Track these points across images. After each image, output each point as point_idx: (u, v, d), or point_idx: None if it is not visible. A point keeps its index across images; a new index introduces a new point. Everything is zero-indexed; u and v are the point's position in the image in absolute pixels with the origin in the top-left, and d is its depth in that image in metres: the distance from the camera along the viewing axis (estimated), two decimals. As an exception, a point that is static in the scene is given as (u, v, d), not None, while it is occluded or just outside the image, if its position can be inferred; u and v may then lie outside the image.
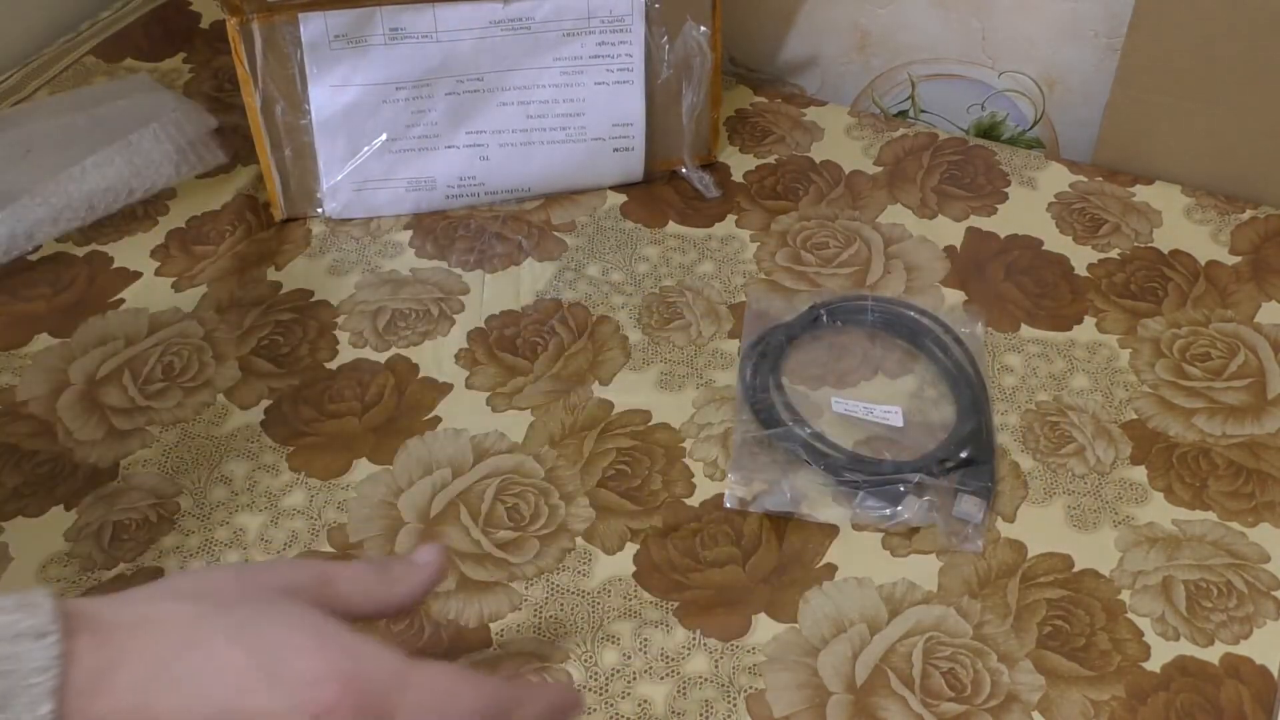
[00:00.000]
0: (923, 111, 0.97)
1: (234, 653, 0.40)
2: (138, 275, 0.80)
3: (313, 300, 0.78)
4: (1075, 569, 0.63)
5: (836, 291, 0.77)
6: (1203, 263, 0.79)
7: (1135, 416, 0.70)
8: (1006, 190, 0.85)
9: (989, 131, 0.96)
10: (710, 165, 0.87)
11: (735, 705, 0.58)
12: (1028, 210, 0.83)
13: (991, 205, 0.84)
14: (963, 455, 0.67)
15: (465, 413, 0.70)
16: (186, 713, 0.39)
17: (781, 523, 0.65)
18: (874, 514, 0.64)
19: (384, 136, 0.80)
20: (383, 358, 0.74)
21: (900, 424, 0.69)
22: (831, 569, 0.63)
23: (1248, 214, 0.82)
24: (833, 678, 0.58)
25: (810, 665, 0.59)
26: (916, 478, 0.65)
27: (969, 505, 0.64)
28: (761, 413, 0.69)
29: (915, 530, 0.64)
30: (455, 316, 0.76)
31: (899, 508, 0.64)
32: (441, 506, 0.65)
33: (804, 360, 0.73)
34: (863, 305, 0.75)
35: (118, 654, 0.39)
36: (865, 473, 0.66)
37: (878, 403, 0.70)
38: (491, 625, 0.61)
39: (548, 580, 0.63)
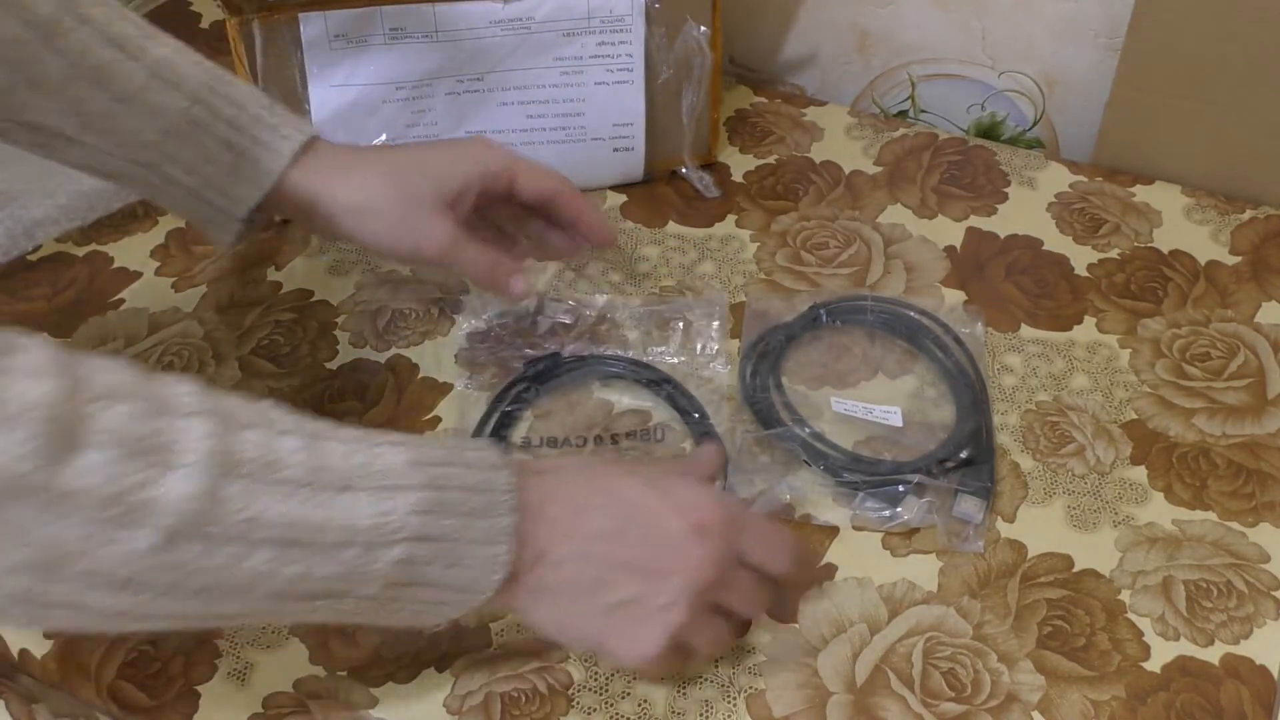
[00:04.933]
0: (923, 111, 0.97)
1: (632, 481, 0.54)
2: (138, 275, 0.80)
3: (313, 300, 0.78)
4: (1075, 569, 0.63)
5: (836, 291, 0.77)
6: (1203, 263, 0.79)
7: (1135, 416, 0.70)
8: (1006, 190, 0.85)
9: (989, 131, 0.96)
10: (710, 165, 0.87)
11: (735, 705, 0.58)
12: (1028, 210, 0.83)
13: (991, 205, 0.84)
14: (963, 455, 0.67)
15: (472, 409, 0.70)
16: (608, 519, 0.53)
17: (781, 523, 0.65)
18: (874, 514, 0.64)
19: (384, 136, 0.80)
20: (383, 357, 0.74)
21: (900, 424, 0.69)
22: (831, 569, 0.63)
23: (1248, 214, 0.82)
24: (833, 678, 0.58)
25: (810, 665, 0.59)
26: (916, 478, 0.65)
27: (968, 505, 0.64)
28: (761, 413, 0.69)
29: (915, 530, 0.64)
30: (455, 316, 0.76)
31: (899, 508, 0.64)
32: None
33: (804, 360, 0.73)
34: (862, 305, 0.75)
35: (551, 487, 0.53)
36: (865, 473, 0.65)
37: (877, 403, 0.70)
38: (491, 625, 0.61)
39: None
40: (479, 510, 0.49)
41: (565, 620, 0.53)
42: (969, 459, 0.66)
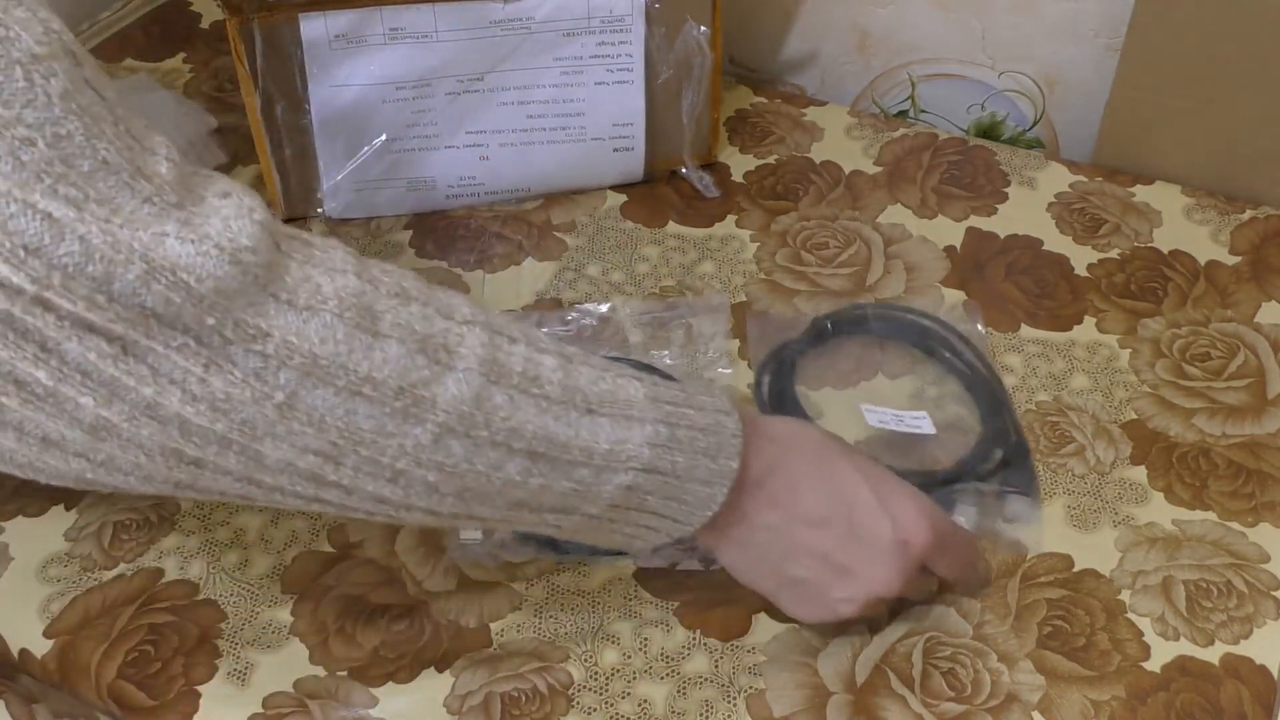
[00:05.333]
0: (923, 111, 0.97)
1: (854, 475, 0.55)
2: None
3: (313, 300, 0.78)
4: (1075, 569, 0.63)
5: (842, 300, 0.76)
6: (1203, 263, 0.79)
7: (1135, 416, 0.70)
8: (1006, 190, 0.85)
9: (989, 131, 0.96)
10: (710, 165, 0.87)
11: (735, 705, 0.58)
12: (1028, 210, 0.83)
13: (991, 205, 0.84)
14: (998, 457, 0.66)
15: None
16: (819, 506, 0.54)
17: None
18: None
19: (384, 136, 0.80)
20: (383, 358, 0.74)
21: (932, 431, 0.68)
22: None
23: (1248, 214, 0.82)
24: (833, 678, 0.58)
25: (810, 665, 0.59)
26: (971, 486, 0.64)
27: (1020, 506, 0.64)
28: None
29: None
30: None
31: (959, 520, 0.63)
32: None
33: (818, 376, 0.72)
34: (864, 314, 0.74)
35: (775, 457, 0.53)
36: (918, 486, 0.64)
37: (905, 410, 0.69)
38: (492, 625, 0.61)
39: (548, 580, 0.63)
40: (706, 450, 0.51)
41: (747, 570, 0.57)
42: (1004, 460, 0.66)
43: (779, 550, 0.55)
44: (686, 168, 0.85)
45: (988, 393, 0.70)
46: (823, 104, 0.93)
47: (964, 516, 0.64)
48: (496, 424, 0.45)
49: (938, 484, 0.65)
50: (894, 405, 0.70)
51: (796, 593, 0.56)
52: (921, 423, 0.68)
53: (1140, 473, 0.67)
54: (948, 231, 0.82)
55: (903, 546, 0.54)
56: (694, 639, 0.60)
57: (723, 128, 0.90)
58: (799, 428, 0.57)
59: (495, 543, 0.63)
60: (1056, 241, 0.81)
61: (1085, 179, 0.86)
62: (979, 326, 0.74)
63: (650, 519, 0.51)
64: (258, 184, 0.84)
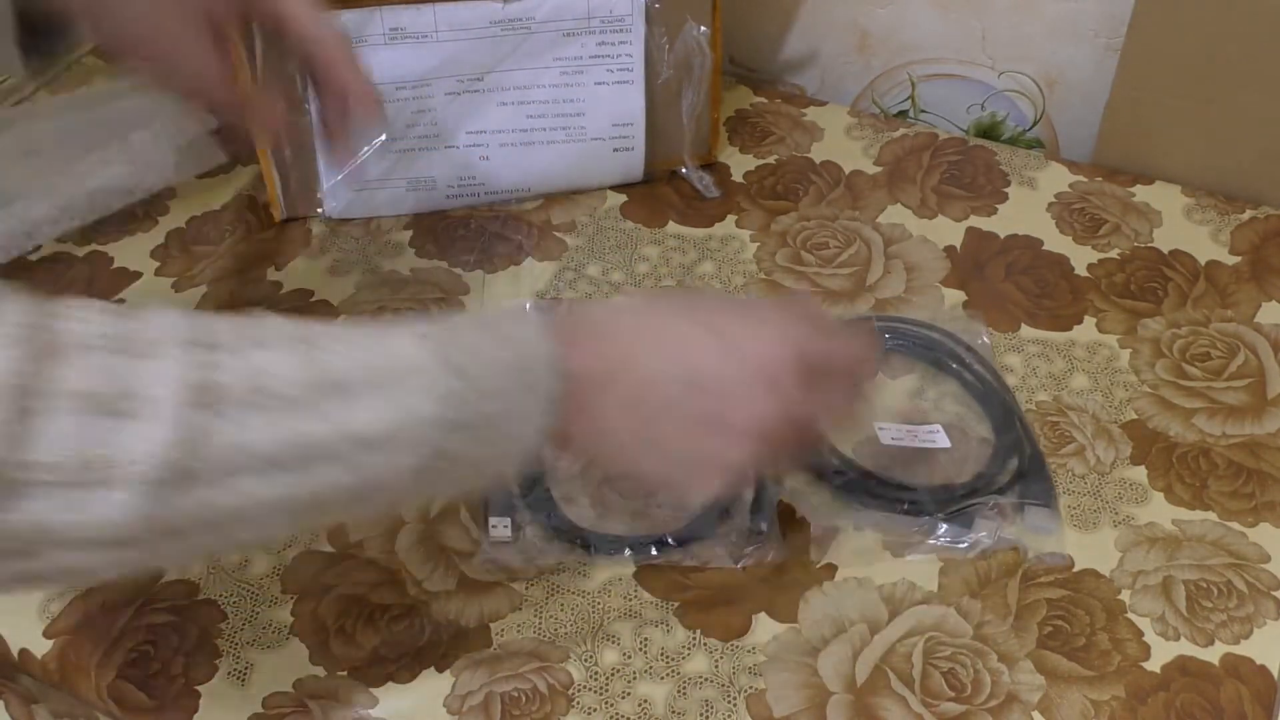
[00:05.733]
0: (923, 111, 0.97)
1: (688, 326, 0.51)
2: (138, 275, 0.80)
3: (313, 300, 0.78)
4: (1075, 569, 0.63)
5: (842, 300, 0.77)
6: (1203, 263, 0.79)
7: (1135, 416, 0.70)
8: (1006, 190, 0.85)
9: (989, 131, 0.96)
10: (710, 165, 0.87)
11: (735, 705, 0.58)
12: (1028, 210, 0.83)
13: (991, 205, 0.84)
14: (1014, 468, 0.66)
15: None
16: (663, 373, 0.50)
17: (782, 522, 0.64)
18: (957, 545, 0.63)
19: (384, 136, 0.80)
20: (383, 358, 0.74)
21: (947, 444, 0.67)
22: (831, 569, 0.63)
23: (1248, 214, 0.82)
24: (833, 678, 0.58)
25: (810, 665, 0.59)
26: (991, 500, 0.64)
27: (1040, 518, 0.64)
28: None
29: (992, 554, 0.63)
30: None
31: (981, 534, 0.63)
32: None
33: None
34: (878, 328, 0.74)
35: (605, 344, 0.50)
36: (939, 502, 0.64)
37: (919, 424, 0.69)
38: (491, 625, 0.61)
39: (548, 580, 0.63)
40: (525, 386, 0.47)
41: (623, 461, 0.54)
42: (1020, 471, 0.66)
43: (637, 423, 0.50)
44: (686, 168, 0.85)
45: (999, 404, 0.69)
46: (823, 104, 0.93)
47: (985, 530, 0.63)
48: (217, 453, 0.40)
49: (956, 499, 0.64)
50: (894, 405, 0.70)
51: (683, 466, 0.51)
52: (936, 436, 0.68)
53: (1140, 473, 0.67)
54: (948, 231, 0.82)
55: (760, 373, 0.50)
56: (694, 639, 0.60)
57: (723, 128, 0.90)
58: (619, 304, 0.53)
59: (526, 542, 0.63)
60: (1056, 241, 0.81)
61: (1085, 179, 0.86)
62: (984, 339, 0.73)
63: (481, 458, 0.47)
64: (257, 184, 0.85)
